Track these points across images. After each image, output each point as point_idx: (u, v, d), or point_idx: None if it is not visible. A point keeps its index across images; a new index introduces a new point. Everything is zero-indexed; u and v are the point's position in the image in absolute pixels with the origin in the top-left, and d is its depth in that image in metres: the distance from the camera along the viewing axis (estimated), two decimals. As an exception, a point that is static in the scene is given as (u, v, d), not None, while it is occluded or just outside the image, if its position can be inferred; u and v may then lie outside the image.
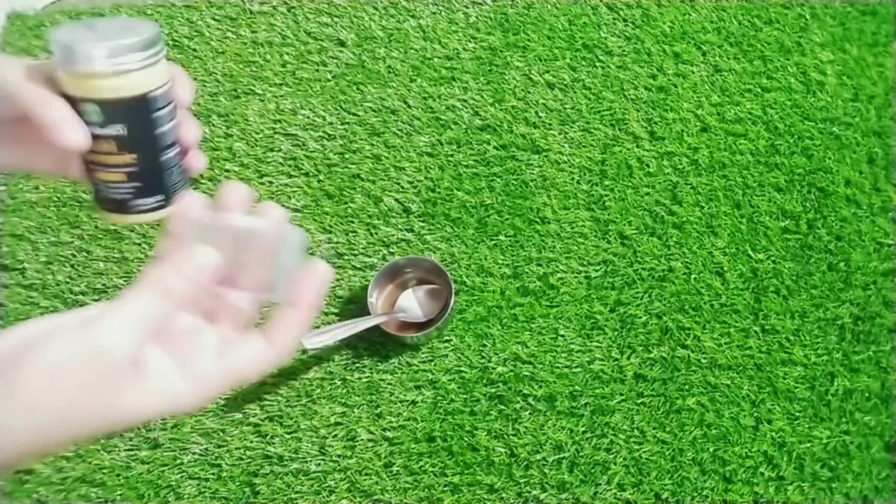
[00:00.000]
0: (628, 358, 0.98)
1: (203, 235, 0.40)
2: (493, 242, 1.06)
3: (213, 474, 0.95)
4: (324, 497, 0.93)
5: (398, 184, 1.12)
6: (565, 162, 1.11)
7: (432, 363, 0.99)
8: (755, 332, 0.98)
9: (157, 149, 0.46)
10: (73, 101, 0.43)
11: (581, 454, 0.93)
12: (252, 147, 1.17)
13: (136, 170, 0.46)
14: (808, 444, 0.91)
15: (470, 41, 1.23)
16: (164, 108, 0.45)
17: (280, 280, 0.41)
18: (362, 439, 0.95)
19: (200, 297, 0.39)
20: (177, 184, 0.48)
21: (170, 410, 0.36)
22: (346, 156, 1.15)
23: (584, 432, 0.94)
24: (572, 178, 1.10)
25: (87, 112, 0.43)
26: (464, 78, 1.19)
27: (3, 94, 0.43)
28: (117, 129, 0.44)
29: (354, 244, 1.08)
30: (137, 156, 0.45)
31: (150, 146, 0.46)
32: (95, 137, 0.44)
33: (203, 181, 1.14)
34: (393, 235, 1.08)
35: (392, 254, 1.06)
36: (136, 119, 0.44)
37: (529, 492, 0.91)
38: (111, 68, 0.42)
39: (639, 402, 0.95)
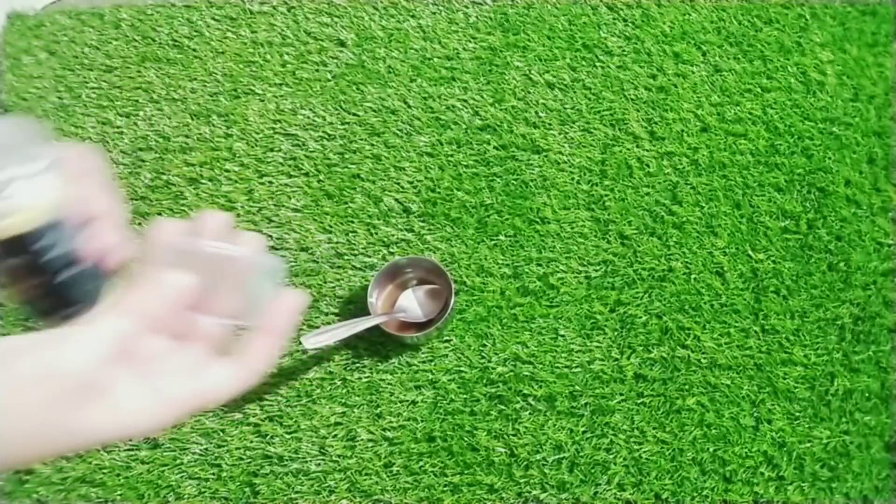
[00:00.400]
0: (628, 358, 0.98)
1: (177, 260, 0.39)
2: (493, 242, 1.06)
3: (213, 474, 0.95)
4: (324, 497, 0.93)
5: (398, 184, 1.12)
6: (565, 162, 1.11)
7: (432, 363, 0.99)
8: (755, 332, 0.98)
9: (51, 274, 0.44)
10: None
11: (581, 454, 0.93)
12: (252, 147, 1.17)
13: (39, 292, 0.44)
14: (808, 444, 0.91)
15: (470, 41, 1.23)
16: (50, 237, 0.42)
17: (253, 306, 0.41)
18: (362, 439, 0.95)
19: (171, 321, 0.39)
20: (93, 289, 0.46)
21: (132, 431, 0.36)
22: (346, 156, 1.15)
23: (584, 432, 0.94)
24: (572, 178, 1.10)
25: None
26: (464, 78, 1.19)
27: None
28: (13, 262, 0.43)
29: (354, 244, 1.08)
30: (31, 283, 0.44)
31: (42, 274, 0.44)
32: None
33: (203, 181, 1.14)
34: (393, 235, 1.08)
35: (392, 254, 1.06)
36: (17, 256, 0.42)
37: (529, 492, 0.91)
38: None
39: (639, 402, 0.95)
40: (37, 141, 0.41)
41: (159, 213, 1.12)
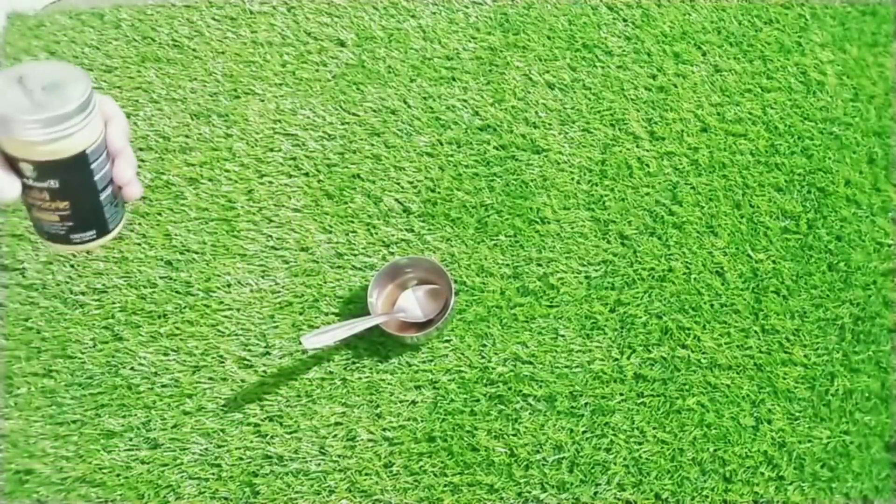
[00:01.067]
0: (628, 358, 0.98)
1: None
2: (493, 242, 1.06)
3: (213, 474, 0.95)
4: (324, 497, 0.93)
5: (398, 184, 1.12)
6: (565, 162, 1.11)
7: (432, 363, 0.99)
8: (755, 332, 0.98)
9: (89, 195, 0.50)
10: (12, 159, 0.47)
11: (581, 454, 0.93)
12: (252, 147, 1.17)
13: (68, 213, 0.50)
14: (808, 444, 0.91)
15: (470, 41, 1.23)
16: (96, 160, 0.49)
17: None
18: (362, 439, 0.95)
19: None
20: (111, 217, 0.52)
21: None
22: (346, 156, 1.15)
23: (584, 432, 0.94)
24: (572, 178, 1.10)
25: (23, 168, 0.47)
26: (464, 78, 1.19)
27: None
28: (50, 183, 0.48)
29: (354, 244, 1.08)
30: (69, 203, 0.49)
31: (82, 194, 0.50)
32: (30, 188, 0.48)
33: (203, 181, 1.14)
34: (393, 235, 1.08)
35: (392, 254, 1.06)
36: (68, 174, 0.48)
37: (529, 492, 0.91)
38: (47, 137, 0.45)
39: (639, 402, 0.95)
40: (83, 81, 0.47)
41: (159, 214, 1.12)
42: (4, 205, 0.46)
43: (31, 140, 0.45)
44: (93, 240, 0.52)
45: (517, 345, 0.99)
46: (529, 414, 0.95)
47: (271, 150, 1.16)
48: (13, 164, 0.47)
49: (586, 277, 1.03)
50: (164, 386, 1.00)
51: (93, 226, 0.52)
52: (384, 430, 0.96)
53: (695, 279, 1.01)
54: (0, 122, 0.45)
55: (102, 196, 0.51)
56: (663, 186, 1.08)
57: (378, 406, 0.97)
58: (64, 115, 0.45)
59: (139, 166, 1.17)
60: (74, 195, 0.49)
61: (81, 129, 0.46)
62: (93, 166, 0.48)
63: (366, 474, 0.94)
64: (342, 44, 1.25)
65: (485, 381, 0.98)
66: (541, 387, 0.96)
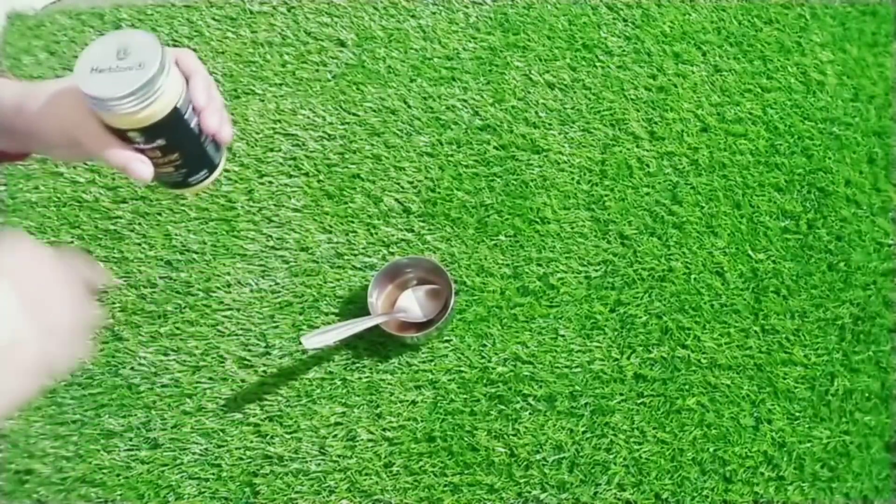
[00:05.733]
0: (628, 358, 0.98)
1: None
2: (493, 242, 1.06)
3: (213, 474, 0.95)
4: (324, 497, 0.93)
5: (398, 184, 1.12)
6: (565, 162, 1.11)
7: (432, 363, 0.99)
8: (755, 332, 0.98)
9: (192, 142, 0.54)
10: (119, 132, 0.51)
11: (581, 454, 0.93)
12: (252, 147, 1.17)
13: (180, 162, 0.54)
14: (808, 444, 0.91)
15: (470, 41, 1.23)
16: (188, 110, 0.53)
17: None
18: (362, 439, 0.95)
19: None
20: (215, 155, 0.57)
21: None
22: (346, 156, 1.15)
23: (584, 432, 0.94)
24: (572, 178, 1.10)
25: (131, 137, 0.51)
26: (464, 78, 1.19)
27: (74, 141, 0.51)
28: (158, 142, 0.52)
29: (354, 244, 1.08)
30: (179, 153, 0.54)
31: (186, 143, 0.54)
32: (142, 150, 0.52)
33: (203, 181, 1.14)
34: (393, 235, 1.08)
35: (392, 254, 1.06)
36: (171, 130, 0.52)
37: (529, 492, 0.91)
38: (140, 106, 0.49)
39: (639, 402, 0.95)
40: (158, 45, 0.49)
41: (159, 214, 1.12)
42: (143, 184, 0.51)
43: (126, 113, 0.49)
44: (206, 178, 0.57)
45: (517, 345, 0.99)
46: (529, 414, 0.95)
47: (271, 150, 1.16)
48: (122, 135, 0.51)
49: (586, 277, 1.03)
50: (164, 386, 1.00)
51: (203, 166, 0.57)
52: (384, 430, 0.96)
53: (695, 279, 1.01)
54: (98, 104, 0.48)
55: (202, 139, 0.55)
56: (663, 186, 1.08)
57: (378, 406, 0.97)
58: (148, 81, 0.48)
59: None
60: (181, 146, 0.54)
61: (167, 89, 0.50)
62: (186, 116, 0.52)
63: (366, 474, 0.94)
64: (342, 44, 1.25)
65: (485, 381, 0.98)
66: (541, 387, 0.96)
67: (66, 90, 0.51)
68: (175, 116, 0.51)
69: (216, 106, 0.55)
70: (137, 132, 0.51)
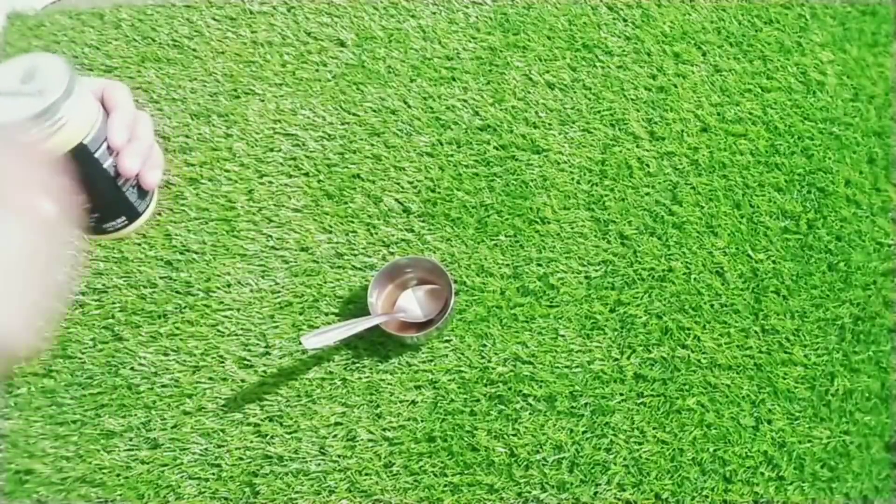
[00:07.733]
0: (628, 358, 0.98)
1: None
2: (493, 242, 1.06)
3: (213, 474, 0.95)
4: (324, 497, 0.93)
5: (398, 184, 1.12)
6: (565, 162, 1.11)
7: (432, 363, 0.99)
8: (755, 332, 0.98)
9: (105, 185, 0.49)
10: None
11: (581, 454, 0.93)
12: (252, 147, 1.17)
13: (90, 206, 0.49)
14: (808, 444, 0.91)
15: (470, 41, 1.23)
16: (100, 147, 0.47)
17: None
18: (362, 439, 0.95)
19: None
20: (138, 202, 0.52)
21: None
22: (346, 156, 1.15)
23: (584, 432, 0.94)
24: (572, 178, 1.10)
25: None
26: (464, 78, 1.19)
27: None
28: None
29: (354, 244, 1.08)
30: (88, 196, 0.48)
31: (98, 185, 0.48)
32: None
33: (203, 181, 1.14)
34: (393, 235, 1.08)
35: (392, 254, 1.06)
36: (76, 169, 0.46)
37: (529, 492, 0.91)
38: (36, 137, 0.43)
39: (639, 402, 0.95)
40: (67, 72, 0.44)
41: (159, 214, 1.12)
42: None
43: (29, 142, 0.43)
44: (126, 226, 0.52)
45: (517, 345, 0.99)
46: (529, 414, 0.95)
47: (271, 150, 1.16)
48: None
49: (586, 277, 1.03)
50: (164, 386, 1.00)
51: (120, 213, 0.51)
52: (384, 430, 0.96)
53: (695, 279, 1.01)
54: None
55: (119, 182, 0.49)
56: (663, 186, 1.08)
57: (378, 406, 0.97)
58: (46, 109, 0.43)
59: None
60: (90, 188, 0.48)
61: (70, 121, 0.44)
62: (97, 155, 0.47)
63: (366, 474, 0.94)
64: (342, 44, 1.25)
65: (485, 381, 0.98)
66: (541, 387, 0.96)
67: None
68: (82, 154, 0.46)
69: (138, 147, 0.49)
70: None
